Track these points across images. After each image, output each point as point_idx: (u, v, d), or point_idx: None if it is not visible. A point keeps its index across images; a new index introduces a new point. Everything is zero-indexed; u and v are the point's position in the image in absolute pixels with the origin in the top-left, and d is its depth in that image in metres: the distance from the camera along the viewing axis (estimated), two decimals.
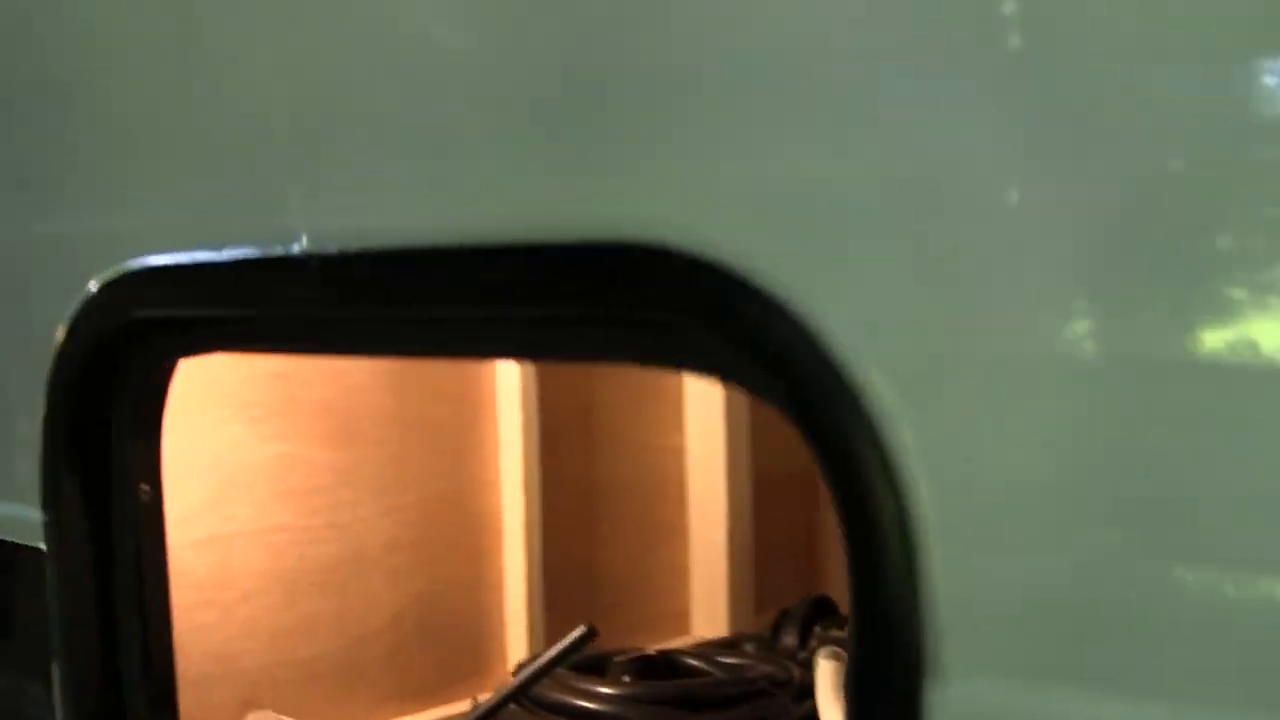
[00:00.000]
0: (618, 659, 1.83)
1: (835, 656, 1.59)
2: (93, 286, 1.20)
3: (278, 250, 1.06)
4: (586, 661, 1.80)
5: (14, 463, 1.30)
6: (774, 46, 0.78)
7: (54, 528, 1.27)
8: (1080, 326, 0.67)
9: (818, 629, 1.96)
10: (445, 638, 2.02)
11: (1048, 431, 0.68)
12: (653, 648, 1.98)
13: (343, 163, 1.03)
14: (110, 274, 1.18)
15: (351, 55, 1.02)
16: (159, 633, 1.31)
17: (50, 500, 1.27)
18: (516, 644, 2.10)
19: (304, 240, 1.04)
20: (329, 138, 1.04)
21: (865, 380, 0.73)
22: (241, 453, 1.78)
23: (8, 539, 1.32)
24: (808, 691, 1.65)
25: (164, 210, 1.17)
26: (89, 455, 1.27)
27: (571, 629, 1.66)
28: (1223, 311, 0.63)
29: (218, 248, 1.10)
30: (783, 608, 2.07)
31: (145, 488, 1.30)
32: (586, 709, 1.70)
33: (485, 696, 1.77)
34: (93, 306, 1.20)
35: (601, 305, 0.89)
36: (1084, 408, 0.67)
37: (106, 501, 1.28)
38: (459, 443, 2.02)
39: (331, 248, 1.02)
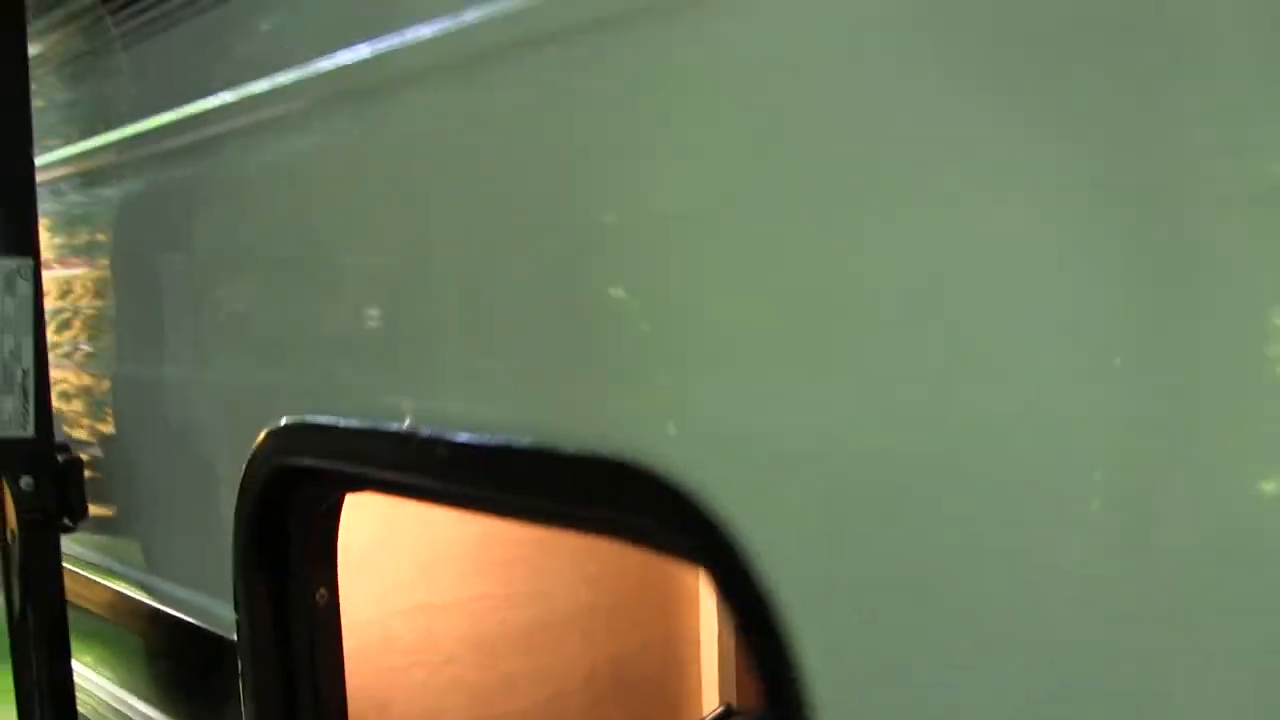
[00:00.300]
0: None
1: None
2: (261, 434, 1.45)
3: (391, 426, 1.27)
4: None
5: (218, 568, 1.57)
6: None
7: (245, 624, 1.53)
8: None
9: None
10: (639, 692, 2.21)
11: None
12: None
13: (437, 365, 1.24)
14: (272, 425, 1.43)
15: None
16: (334, 705, 1.56)
17: (242, 601, 1.53)
18: (710, 697, 2.27)
19: (408, 420, 1.25)
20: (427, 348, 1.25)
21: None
22: (447, 529, 2.02)
23: (211, 630, 1.59)
24: None
25: (312, 378, 1.41)
26: (272, 567, 1.52)
27: None
28: None
29: (344, 415, 1.33)
30: None
31: (322, 592, 1.55)
32: None
33: None
34: (259, 450, 1.45)
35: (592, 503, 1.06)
36: None
37: (286, 603, 1.53)
38: None
39: (425, 431, 1.23)
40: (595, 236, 1.05)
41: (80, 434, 1.88)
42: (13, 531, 1.66)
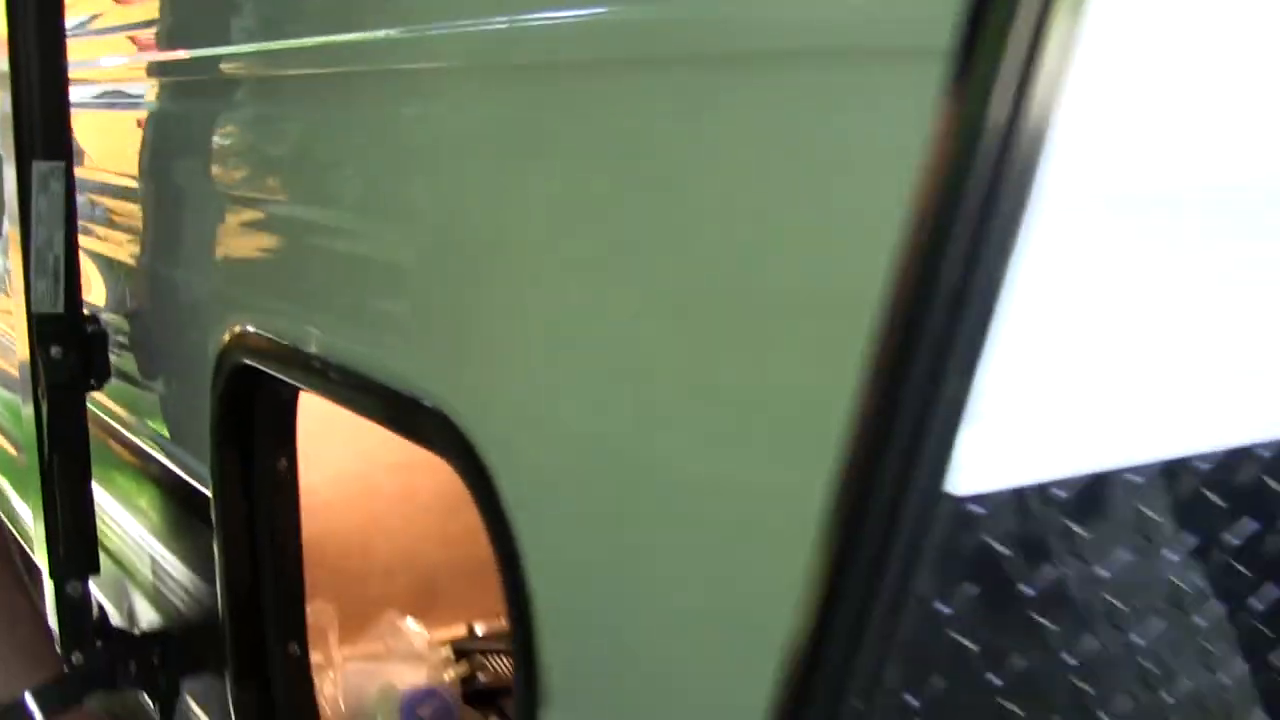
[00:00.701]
0: None
1: None
2: (229, 332, 1.76)
3: (301, 346, 1.57)
4: None
5: (202, 437, 1.90)
6: None
7: (217, 485, 1.87)
8: None
9: None
10: None
11: None
12: None
13: (324, 307, 1.53)
14: (235, 330, 1.73)
15: None
16: (287, 553, 1.90)
17: (215, 467, 1.87)
18: None
19: (312, 345, 1.54)
20: (321, 291, 1.54)
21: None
22: None
23: (197, 486, 1.94)
24: None
25: (256, 297, 1.71)
26: (240, 441, 1.85)
27: None
28: None
29: (276, 333, 1.63)
30: None
31: (283, 461, 1.88)
32: None
33: None
34: (226, 347, 1.76)
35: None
36: None
37: (252, 469, 1.86)
38: None
39: (316, 353, 1.52)
40: (423, 232, 1.32)
41: (108, 309, 2.22)
42: (43, 394, 2.01)
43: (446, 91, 1.27)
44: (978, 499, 0.91)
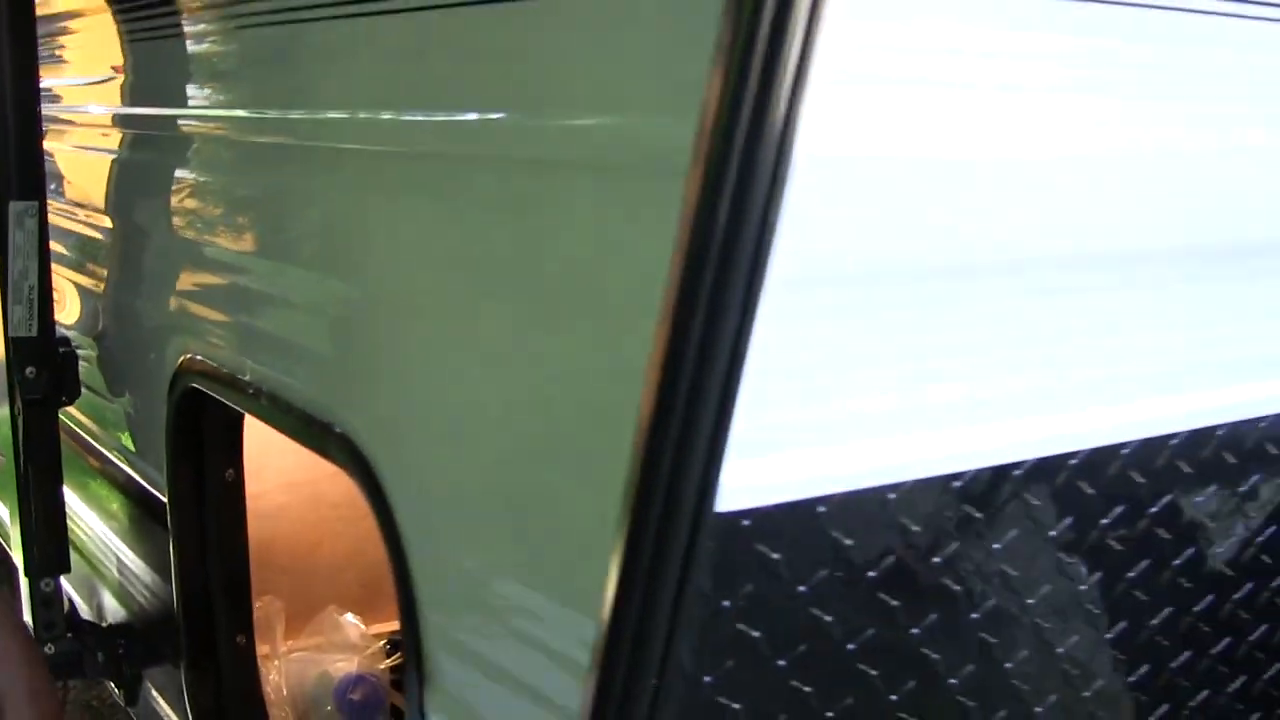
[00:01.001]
0: None
1: None
2: (181, 358, 1.99)
3: (238, 374, 1.80)
4: None
5: (157, 452, 2.13)
6: None
7: (172, 492, 2.10)
8: None
9: None
10: None
11: None
12: None
13: (255, 341, 1.76)
14: (185, 356, 1.96)
15: None
16: (235, 555, 2.13)
17: (170, 476, 2.10)
18: None
19: (246, 374, 1.77)
20: (250, 327, 1.77)
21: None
22: None
23: (155, 492, 2.17)
24: None
25: (201, 329, 1.93)
26: (192, 454, 2.07)
27: None
28: None
29: (219, 361, 1.86)
30: None
31: (230, 472, 2.11)
32: None
33: None
34: (178, 372, 1.98)
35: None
36: None
37: (202, 479, 2.09)
38: None
39: (251, 380, 1.75)
40: (333, 285, 1.56)
41: (79, 332, 2.44)
42: (18, 409, 2.24)
43: (344, 166, 1.50)
44: (743, 514, 1.13)
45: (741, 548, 1.16)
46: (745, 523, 1.14)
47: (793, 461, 1.15)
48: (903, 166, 1.06)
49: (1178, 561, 1.44)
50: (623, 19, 1.08)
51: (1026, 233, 1.17)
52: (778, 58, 0.93)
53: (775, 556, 1.18)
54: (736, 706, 1.22)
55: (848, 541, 1.21)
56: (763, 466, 1.13)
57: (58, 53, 2.44)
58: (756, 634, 1.21)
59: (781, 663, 1.24)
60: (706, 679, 1.20)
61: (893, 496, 1.23)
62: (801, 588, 1.21)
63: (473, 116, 1.27)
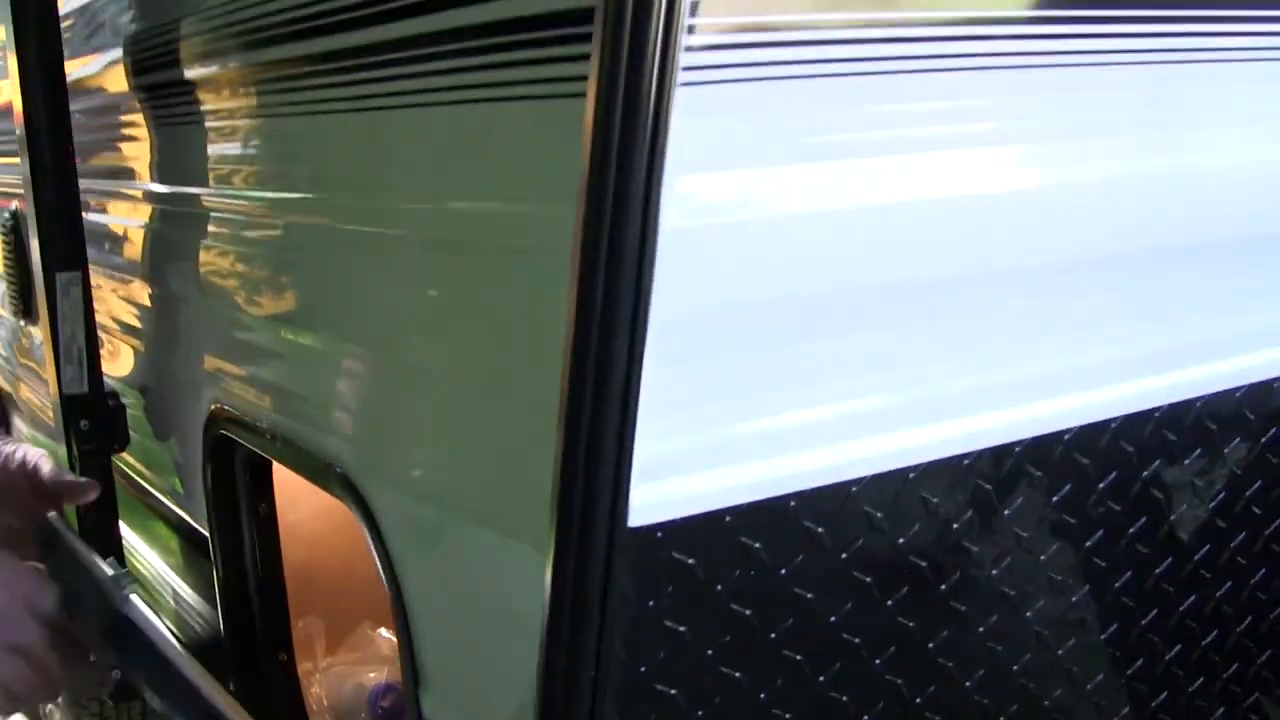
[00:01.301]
0: None
1: None
2: (210, 407, 2.22)
3: (257, 422, 2.03)
4: None
5: (199, 492, 2.37)
6: None
7: (213, 526, 2.33)
8: None
9: None
10: None
11: None
12: None
13: (265, 391, 1.99)
14: (214, 406, 2.20)
15: None
16: (272, 580, 2.36)
17: (210, 512, 2.33)
18: None
19: (264, 422, 2.00)
20: (256, 378, 2.00)
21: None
22: None
23: (199, 527, 2.40)
24: None
25: (228, 379, 2.17)
26: (227, 491, 2.31)
27: None
28: None
29: (244, 411, 2.09)
30: None
31: (263, 506, 2.34)
32: None
33: None
34: (210, 419, 2.22)
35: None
36: None
37: (239, 514, 2.32)
38: None
39: (269, 426, 1.99)
40: (334, 345, 1.78)
41: (125, 385, 2.70)
42: (75, 458, 2.49)
43: (313, 241, 1.75)
44: (656, 527, 1.34)
45: (660, 555, 1.36)
46: (659, 534, 1.34)
47: (695, 479, 1.35)
48: (755, 227, 1.27)
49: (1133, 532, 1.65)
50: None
51: (881, 270, 1.38)
52: (631, 155, 1.14)
53: (690, 561, 1.38)
54: (674, 692, 1.42)
55: (756, 545, 1.41)
56: (668, 486, 1.33)
57: (97, 135, 2.69)
58: (683, 629, 1.41)
59: (710, 652, 1.44)
60: (642, 669, 1.40)
61: (794, 504, 1.43)
62: (719, 587, 1.41)
63: (426, 207, 1.51)
